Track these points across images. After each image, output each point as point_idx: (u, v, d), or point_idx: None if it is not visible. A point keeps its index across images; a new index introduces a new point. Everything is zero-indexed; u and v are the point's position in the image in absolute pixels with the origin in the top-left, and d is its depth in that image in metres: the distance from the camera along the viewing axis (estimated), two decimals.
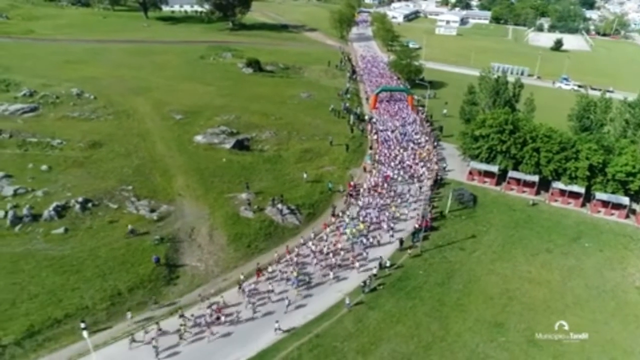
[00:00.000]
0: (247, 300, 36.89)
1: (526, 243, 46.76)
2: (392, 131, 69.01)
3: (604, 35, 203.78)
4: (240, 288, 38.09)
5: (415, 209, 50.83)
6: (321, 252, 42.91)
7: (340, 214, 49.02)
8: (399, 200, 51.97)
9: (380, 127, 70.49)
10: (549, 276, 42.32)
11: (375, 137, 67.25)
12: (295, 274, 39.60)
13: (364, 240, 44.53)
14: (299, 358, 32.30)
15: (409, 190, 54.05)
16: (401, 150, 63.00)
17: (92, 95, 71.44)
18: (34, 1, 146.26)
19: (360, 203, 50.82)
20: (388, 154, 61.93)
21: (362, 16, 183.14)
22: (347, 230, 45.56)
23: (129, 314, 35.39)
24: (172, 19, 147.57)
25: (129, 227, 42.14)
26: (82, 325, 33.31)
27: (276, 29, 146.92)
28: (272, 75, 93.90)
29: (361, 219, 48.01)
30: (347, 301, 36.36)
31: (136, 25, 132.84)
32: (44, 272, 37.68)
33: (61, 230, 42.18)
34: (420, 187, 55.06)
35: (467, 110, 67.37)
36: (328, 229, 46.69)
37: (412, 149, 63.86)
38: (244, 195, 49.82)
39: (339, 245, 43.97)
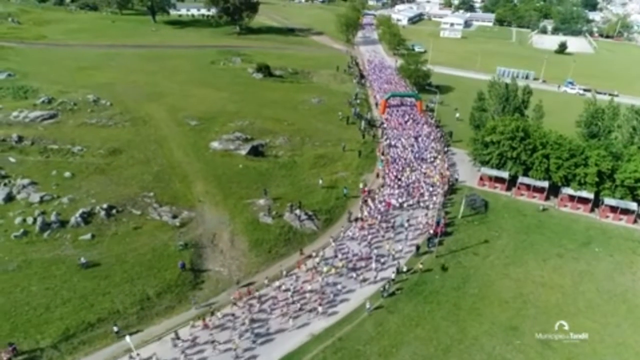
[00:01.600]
0: (183, 356, 33.18)
1: (538, 248, 48.07)
2: (405, 148, 66.35)
3: (607, 37, 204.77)
4: (175, 339, 34.42)
5: (412, 245, 46.60)
6: (281, 295, 39.00)
7: (315, 254, 44.24)
8: (393, 234, 47.83)
9: (392, 142, 68.42)
10: (561, 280, 43.62)
11: (386, 142, 68.63)
12: (247, 321, 36.14)
13: (339, 286, 40.16)
14: None
15: (407, 221, 50.02)
16: (409, 171, 59.74)
17: (108, 101, 72.87)
18: (43, 6, 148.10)
19: (349, 234, 47.61)
20: (395, 177, 58.50)
21: (367, 19, 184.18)
22: (325, 269, 41.79)
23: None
24: (179, 23, 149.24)
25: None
26: (115, 328, 34.88)
27: (283, 33, 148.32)
28: (282, 80, 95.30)
29: (340, 256, 43.93)
30: (368, 305, 37.74)
31: (145, 30, 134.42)
32: (75, 277, 39.12)
33: (88, 236, 43.64)
34: (426, 214, 51.37)
35: (476, 117, 68.65)
36: (304, 267, 42.61)
37: (422, 171, 60.50)
38: (262, 201, 51.20)
39: (309, 287, 39.92)
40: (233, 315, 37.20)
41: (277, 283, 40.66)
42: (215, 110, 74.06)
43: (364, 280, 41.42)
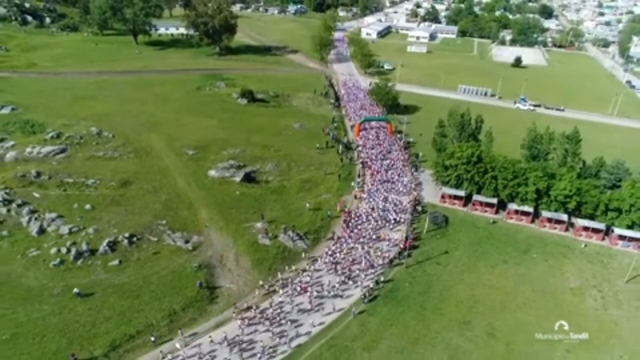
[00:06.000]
0: None
1: (487, 256, 58.87)
2: (372, 208, 65.99)
3: (560, 46, 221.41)
4: None
5: (296, 345, 43.96)
6: None
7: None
8: (273, 332, 44.89)
9: (364, 196, 69.30)
10: (505, 282, 54.50)
11: (360, 165, 78.61)
12: None
13: None
14: (321, 355, 43.24)
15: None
16: (359, 247, 57.93)
17: (110, 133, 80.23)
18: (26, 29, 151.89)
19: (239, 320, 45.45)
20: (340, 248, 57.63)
21: (339, 34, 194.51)
22: None
23: (180, 332, 44.41)
24: (160, 44, 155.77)
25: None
26: (152, 338, 43.43)
27: (260, 52, 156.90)
28: (265, 105, 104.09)
29: None
30: (354, 310, 47.55)
31: (129, 52, 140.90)
32: (111, 298, 47.36)
33: (116, 262, 51.79)
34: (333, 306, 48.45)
35: (438, 141, 79.54)
36: None
37: (376, 240, 59.44)
38: (259, 225, 60.19)
39: None
40: None
41: None
42: (208, 139, 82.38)
43: None
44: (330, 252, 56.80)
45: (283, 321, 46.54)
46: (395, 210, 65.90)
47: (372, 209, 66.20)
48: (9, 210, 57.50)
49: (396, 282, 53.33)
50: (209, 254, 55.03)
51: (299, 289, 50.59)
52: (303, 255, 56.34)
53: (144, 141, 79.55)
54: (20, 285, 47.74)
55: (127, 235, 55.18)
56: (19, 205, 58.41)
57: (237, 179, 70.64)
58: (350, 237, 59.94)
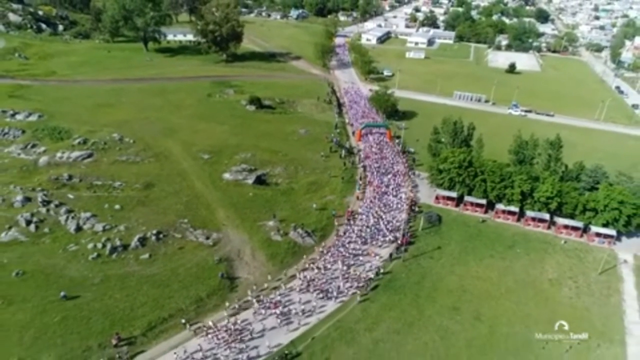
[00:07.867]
0: None
1: (476, 251, 65.61)
2: (367, 225, 67.84)
3: (554, 51, 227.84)
4: None
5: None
6: None
7: None
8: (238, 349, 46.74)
9: (359, 209, 71.56)
10: (490, 274, 61.28)
11: (361, 168, 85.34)
12: None
13: None
14: (329, 334, 50.02)
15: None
16: (339, 265, 59.69)
17: (131, 139, 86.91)
18: (41, 37, 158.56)
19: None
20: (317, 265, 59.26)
21: (340, 40, 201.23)
22: None
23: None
24: (169, 51, 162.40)
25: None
26: (182, 321, 50.17)
27: (265, 59, 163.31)
28: (272, 111, 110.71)
29: None
30: (358, 298, 54.41)
31: (140, 60, 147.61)
32: (144, 287, 54.13)
33: (146, 256, 58.59)
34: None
35: (433, 147, 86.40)
36: None
37: (354, 266, 59.92)
38: (271, 223, 66.98)
39: None
40: None
41: None
42: (220, 144, 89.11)
43: None
44: (305, 270, 58.67)
45: (245, 338, 48.58)
46: (388, 228, 67.76)
47: (365, 226, 67.99)
48: (48, 210, 64.30)
49: (394, 273, 60.12)
50: (228, 249, 61.82)
51: (264, 311, 52.12)
52: (281, 275, 58.14)
53: (163, 146, 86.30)
54: (64, 276, 54.57)
55: (154, 232, 61.95)
56: (56, 206, 65.23)
57: (250, 181, 77.40)
58: (333, 254, 61.72)
